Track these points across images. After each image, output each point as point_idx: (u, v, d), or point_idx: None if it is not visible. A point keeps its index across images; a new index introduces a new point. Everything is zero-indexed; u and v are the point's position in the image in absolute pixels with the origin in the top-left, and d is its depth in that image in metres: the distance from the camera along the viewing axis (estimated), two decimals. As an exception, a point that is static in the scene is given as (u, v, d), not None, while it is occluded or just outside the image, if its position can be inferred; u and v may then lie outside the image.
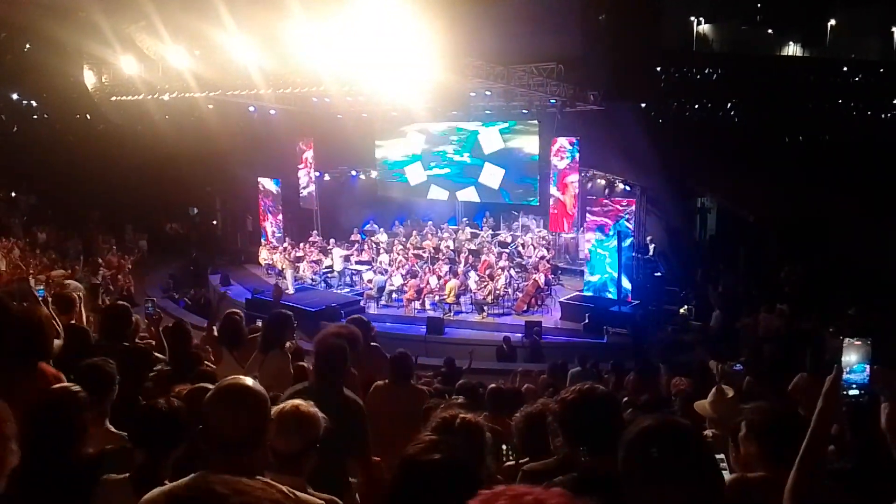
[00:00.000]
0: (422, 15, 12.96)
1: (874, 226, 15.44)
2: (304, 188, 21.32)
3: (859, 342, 2.04)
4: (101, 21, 15.91)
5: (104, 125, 22.73)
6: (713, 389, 4.26)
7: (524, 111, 17.73)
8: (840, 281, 13.65)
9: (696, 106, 25.27)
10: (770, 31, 29.00)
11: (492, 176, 19.32)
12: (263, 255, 20.26)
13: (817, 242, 15.31)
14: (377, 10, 12.83)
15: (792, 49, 29.49)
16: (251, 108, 19.95)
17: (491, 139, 19.14)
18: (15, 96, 26.44)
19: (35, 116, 26.63)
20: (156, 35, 15.76)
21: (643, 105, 18.91)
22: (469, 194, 20.02)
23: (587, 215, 16.70)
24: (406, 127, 20.34)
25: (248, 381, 2.19)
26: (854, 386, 2.02)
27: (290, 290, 17.68)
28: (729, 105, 25.37)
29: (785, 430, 2.37)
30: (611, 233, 15.76)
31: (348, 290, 17.94)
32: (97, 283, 16.85)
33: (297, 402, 2.68)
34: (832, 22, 27.89)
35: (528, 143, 18.55)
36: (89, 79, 18.29)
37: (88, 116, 24.36)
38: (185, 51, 16.01)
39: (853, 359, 2.03)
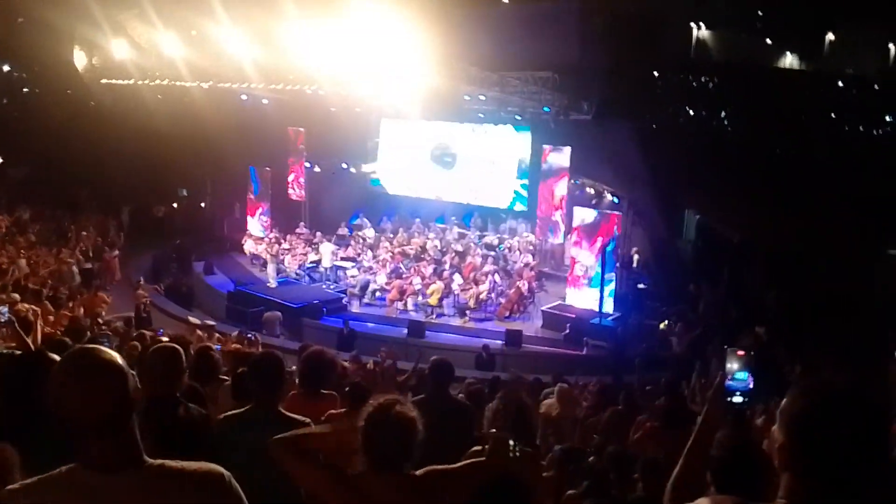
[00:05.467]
0: (417, 19, 12.94)
1: (859, 255, 15.57)
2: (293, 178, 21.23)
3: (742, 352, 2.22)
4: (93, 4, 15.72)
5: (95, 103, 22.49)
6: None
7: (517, 117, 17.68)
8: (818, 311, 13.81)
9: (691, 113, 25.29)
10: (769, 41, 28.95)
11: (485, 169, 19.23)
12: (249, 245, 20.20)
13: (801, 268, 15.43)
14: (372, 13, 12.79)
15: (789, 60, 29.43)
16: (243, 97, 19.82)
17: (483, 140, 19.07)
18: (6, 68, 26.14)
19: (25, 90, 26.33)
20: (148, 22, 15.63)
21: (636, 115, 18.89)
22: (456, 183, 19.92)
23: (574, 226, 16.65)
24: (395, 126, 20.28)
25: (106, 351, 1.81)
26: (738, 393, 2.20)
27: (272, 284, 17.69)
28: (723, 114, 25.41)
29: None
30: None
31: (333, 286, 17.93)
32: (89, 267, 16.81)
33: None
34: (830, 36, 27.85)
35: (520, 148, 18.50)
36: (80, 60, 18.18)
37: (79, 94, 24.10)
38: (177, 39, 15.91)
39: (735, 367, 2.20)
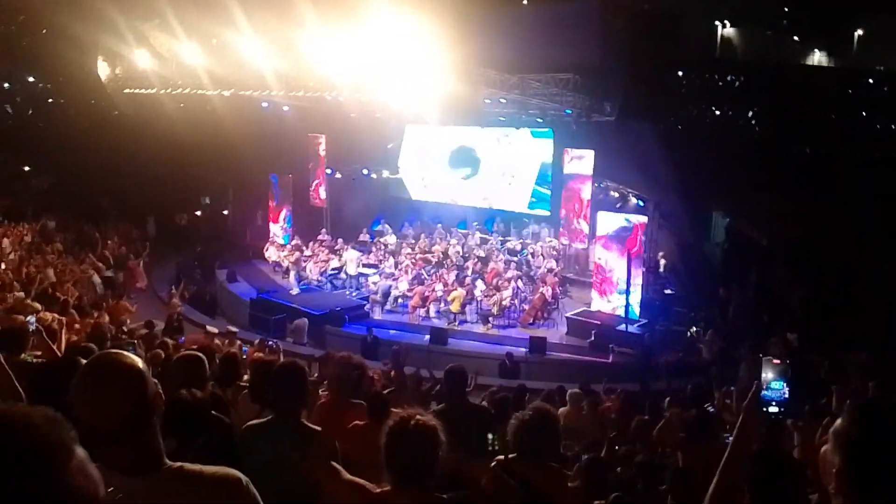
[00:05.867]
0: (434, 23, 12.81)
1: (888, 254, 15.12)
2: (314, 185, 21.22)
3: (777, 361, 2.18)
4: (116, 16, 15.83)
5: (118, 112, 22.73)
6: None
7: (539, 120, 17.47)
8: (847, 311, 13.43)
9: (717, 112, 24.92)
10: (795, 38, 28.43)
11: (504, 179, 19.12)
12: (271, 252, 20.19)
13: (831, 268, 15.03)
14: (390, 19, 12.70)
15: (817, 57, 28.90)
16: (264, 105, 19.87)
17: (505, 144, 18.93)
18: (31, 79, 26.58)
19: (50, 100, 26.74)
20: (170, 32, 15.70)
21: (660, 115, 18.61)
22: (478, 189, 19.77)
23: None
24: (417, 131, 20.22)
25: (127, 356, 1.81)
26: (773, 403, 2.15)
27: (295, 291, 17.64)
28: (750, 114, 24.98)
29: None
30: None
31: (355, 293, 17.84)
32: (110, 276, 16.93)
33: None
34: (859, 31, 27.28)
35: (542, 152, 18.31)
36: (103, 70, 18.33)
37: (103, 104, 24.43)
38: (198, 48, 15.97)
39: (770, 376, 2.15)
